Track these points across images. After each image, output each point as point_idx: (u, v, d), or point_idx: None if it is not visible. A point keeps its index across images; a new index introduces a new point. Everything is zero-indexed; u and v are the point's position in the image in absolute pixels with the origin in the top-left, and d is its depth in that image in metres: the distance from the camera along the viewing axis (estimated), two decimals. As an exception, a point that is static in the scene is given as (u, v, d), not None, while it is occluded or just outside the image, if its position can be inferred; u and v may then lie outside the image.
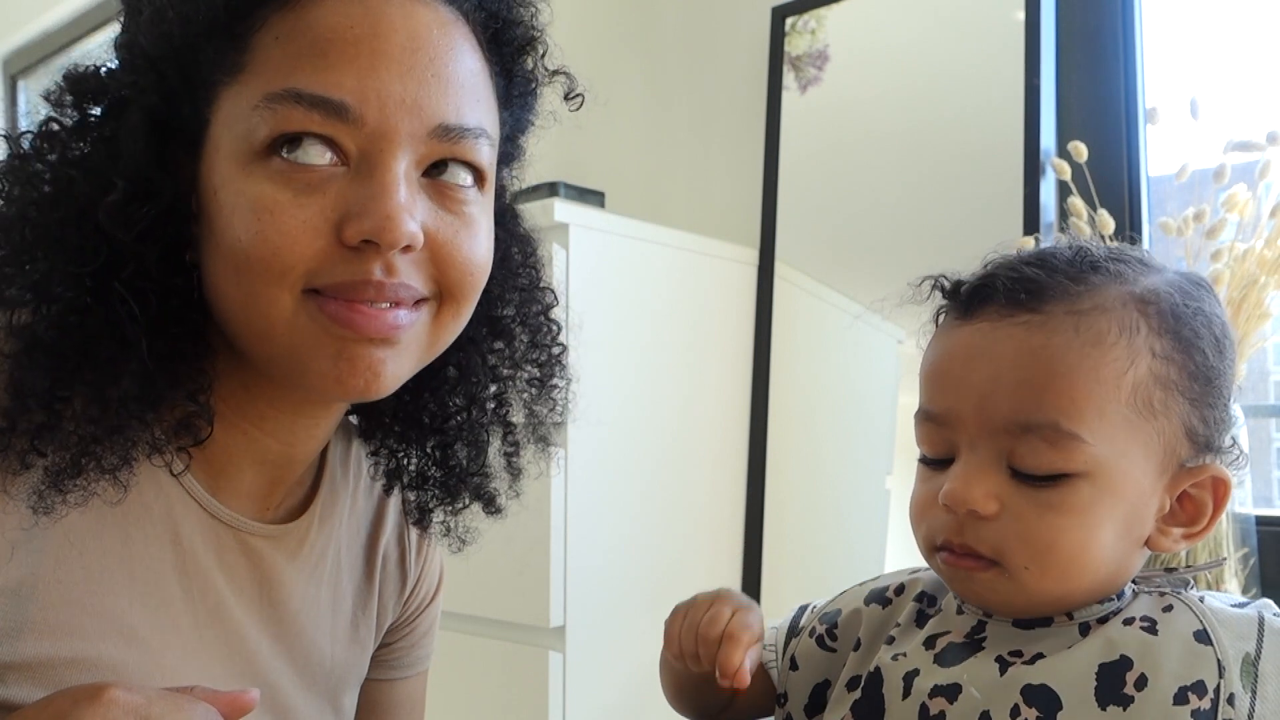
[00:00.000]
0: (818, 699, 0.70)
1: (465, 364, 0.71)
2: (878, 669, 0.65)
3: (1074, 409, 0.57)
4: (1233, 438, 0.62)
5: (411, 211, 0.56)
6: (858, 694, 0.65)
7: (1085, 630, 0.60)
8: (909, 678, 0.63)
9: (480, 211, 0.62)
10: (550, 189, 1.54)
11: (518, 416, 0.75)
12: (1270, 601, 0.62)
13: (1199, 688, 0.56)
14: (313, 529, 0.70)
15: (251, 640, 0.66)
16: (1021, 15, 1.38)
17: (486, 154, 0.60)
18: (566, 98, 0.69)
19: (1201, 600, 0.61)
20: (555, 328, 0.76)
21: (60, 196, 0.57)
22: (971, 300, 0.63)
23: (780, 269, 1.57)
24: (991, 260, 0.65)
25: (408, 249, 0.57)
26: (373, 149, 0.56)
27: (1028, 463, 0.59)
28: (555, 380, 0.76)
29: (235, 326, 0.59)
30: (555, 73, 0.69)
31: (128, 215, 0.56)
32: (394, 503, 0.79)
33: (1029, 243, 1.21)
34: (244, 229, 0.55)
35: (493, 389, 0.74)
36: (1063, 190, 1.30)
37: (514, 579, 1.29)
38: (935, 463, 0.64)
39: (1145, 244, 1.35)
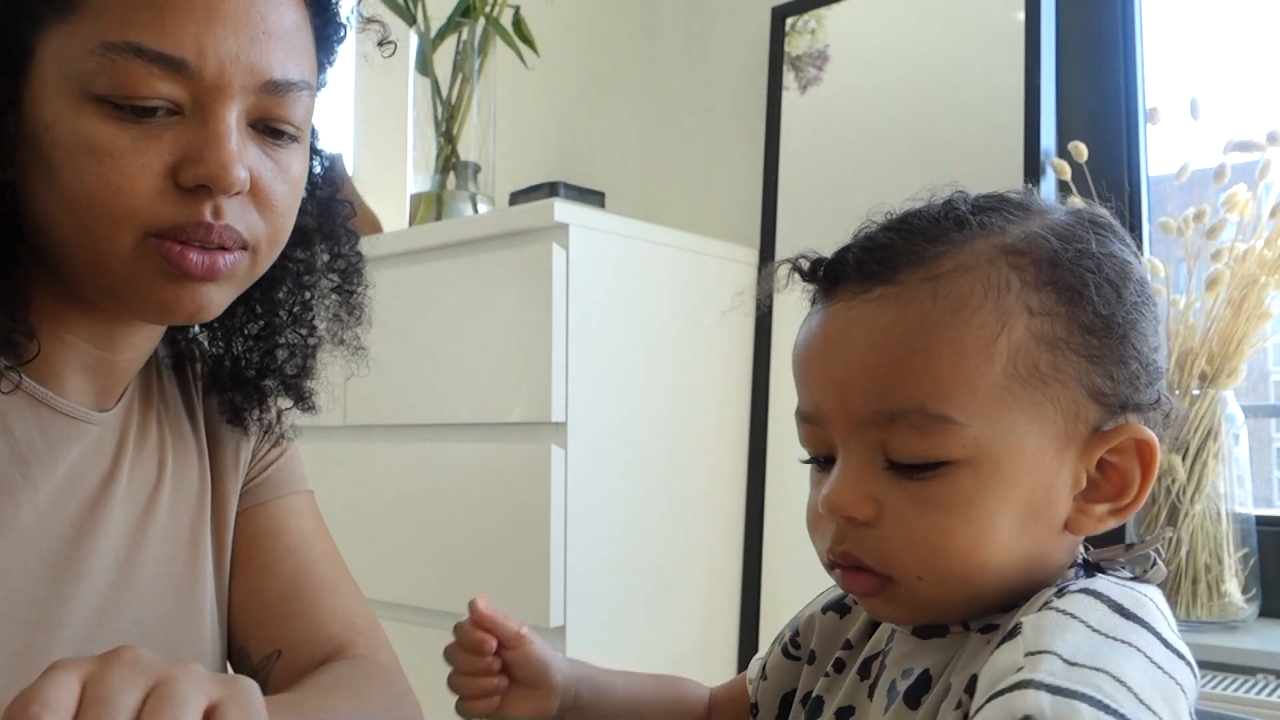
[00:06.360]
0: (785, 709, 0.67)
1: (270, 275, 0.75)
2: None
3: (938, 389, 0.50)
4: (1158, 391, 0.54)
5: (241, 159, 0.61)
6: None
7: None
8: None
9: (297, 159, 0.67)
10: (550, 189, 1.54)
11: (322, 322, 0.81)
12: (1039, 677, 0.44)
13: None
14: (131, 415, 0.73)
15: (103, 522, 0.69)
16: (1021, 15, 1.38)
17: (306, 104, 0.66)
18: (380, 44, 0.76)
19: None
20: (353, 237, 0.81)
21: None
22: (827, 280, 0.56)
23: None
24: (859, 228, 0.58)
25: (236, 193, 0.62)
26: (208, 100, 0.60)
27: (901, 454, 0.52)
28: (355, 286, 0.81)
29: (67, 255, 0.62)
30: (369, 20, 0.74)
31: None
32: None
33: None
34: (84, 170, 0.58)
35: (297, 295, 0.79)
36: (1063, 190, 1.30)
37: (514, 579, 1.29)
38: (822, 464, 0.57)
39: (1145, 244, 1.35)
